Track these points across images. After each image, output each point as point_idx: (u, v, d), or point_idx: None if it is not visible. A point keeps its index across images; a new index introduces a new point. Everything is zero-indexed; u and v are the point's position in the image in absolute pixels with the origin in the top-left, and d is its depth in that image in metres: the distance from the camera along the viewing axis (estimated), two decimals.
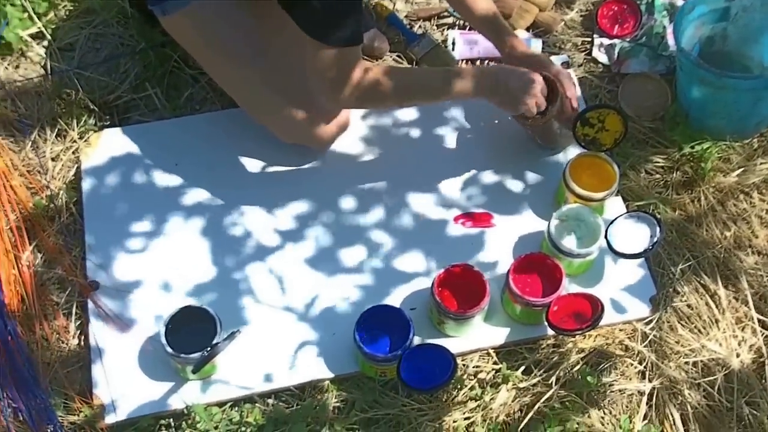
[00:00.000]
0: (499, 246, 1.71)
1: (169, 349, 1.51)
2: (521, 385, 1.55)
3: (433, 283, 1.57)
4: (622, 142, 1.69)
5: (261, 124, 1.78)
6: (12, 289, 1.65)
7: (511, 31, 1.76)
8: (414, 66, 1.95)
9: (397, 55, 1.97)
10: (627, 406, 1.55)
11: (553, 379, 1.54)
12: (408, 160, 1.82)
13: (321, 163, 1.81)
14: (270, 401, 1.56)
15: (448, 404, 1.54)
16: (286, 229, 1.73)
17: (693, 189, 1.76)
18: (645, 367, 1.58)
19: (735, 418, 1.53)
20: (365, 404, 1.54)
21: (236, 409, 1.55)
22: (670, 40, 1.92)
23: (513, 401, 1.54)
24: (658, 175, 1.79)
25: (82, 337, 1.63)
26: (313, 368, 1.58)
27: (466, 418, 1.53)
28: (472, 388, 1.55)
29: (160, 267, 1.69)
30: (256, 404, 1.56)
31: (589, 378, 1.52)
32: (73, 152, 1.83)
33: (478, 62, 1.96)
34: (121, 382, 1.57)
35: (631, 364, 1.58)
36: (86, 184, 1.77)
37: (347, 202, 1.76)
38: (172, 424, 1.53)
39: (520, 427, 1.51)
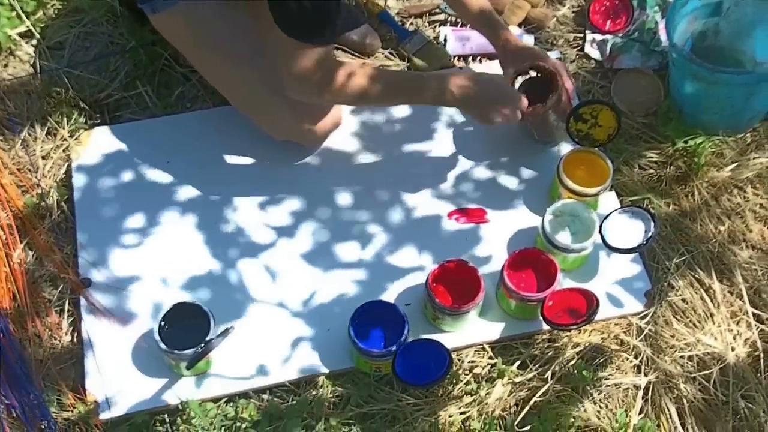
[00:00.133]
0: (493, 241, 1.71)
1: (162, 346, 1.50)
2: (517, 380, 1.55)
3: (427, 279, 1.56)
4: (615, 138, 1.69)
5: (252, 122, 1.77)
6: (3, 286, 1.64)
7: (504, 25, 1.76)
8: (393, 68, 1.94)
9: (389, 52, 1.96)
10: (623, 401, 1.55)
11: (549, 373, 1.54)
12: (401, 156, 1.81)
13: (313, 159, 1.80)
14: (265, 397, 1.56)
15: (444, 399, 1.54)
16: (279, 225, 1.73)
17: (687, 184, 1.76)
18: (640, 361, 1.58)
19: (731, 412, 1.53)
20: (360, 399, 1.54)
21: (231, 404, 1.54)
22: (663, 35, 1.92)
23: (509, 396, 1.54)
24: (651, 170, 1.79)
25: (75, 334, 1.62)
26: (308, 364, 1.58)
27: (461, 413, 1.52)
28: (467, 383, 1.55)
29: (153, 264, 1.68)
30: (251, 400, 1.55)
31: (584, 372, 1.52)
32: (64, 150, 1.82)
33: (470, 59, 1.96)
34: (115, 378, 1.56)
35: (627, 359, 1.58)
36: (77, 182, 1.76)
37: (340, 198, 1.75)
38: (167, 419, 1.52)
39: (516, 421, 1.51)
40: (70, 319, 1.63)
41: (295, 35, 1.49)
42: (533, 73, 1.72)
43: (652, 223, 1.58)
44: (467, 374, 1.56)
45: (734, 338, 1.60)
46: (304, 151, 1.80)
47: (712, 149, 1.78)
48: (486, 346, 1.60)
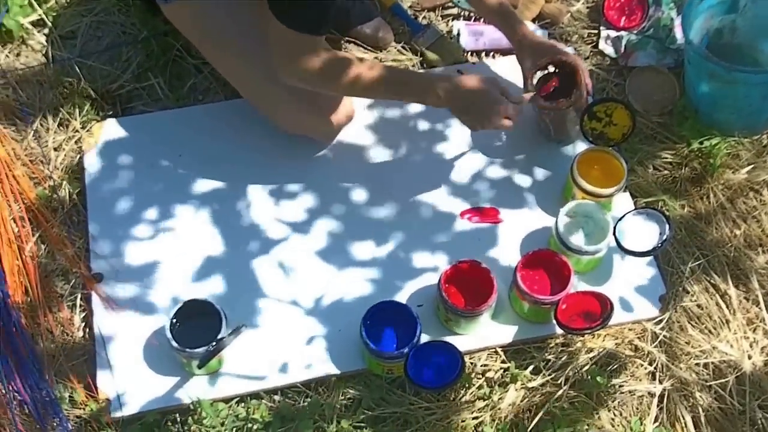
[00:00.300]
0: (506, 242, 1.70)
1: (174, 344, 1.50)
2: (530, 385, 1.54)
3: (440, 280, 1.56)
4: (630, 137, 1.68)
5: (265, 115, 1.76)
6: (16, 280, 1.64)
7: (521, 20, 1.74)
8: (406, 62, 1.92)
9: (402, 46, 1.95)
10: (637, 408, 1.55)
11: (563, 378, 1.54)
12: (414, 153, 1.80)
13: (326, 154, 1.79)
14: (276, 398, 1.56)
15: (456, 403, 1.54)
16: (290, 221, 1.72)
17: (702, 186, 1.75)
18: (655, 368, 1.57)
19: (748, 422, 1.52)
20: (372, 402, 1.54)
21: (242, 405, 1.55)
22: (678, 32, 1.90)
23: (522, 401, 1.54)
24: (666, 171, 1.78)
25: (87, 330, 1.62)
26: (320, 365, 1.58)
27: (474, 418, 1.52)
28: (480, 387, 1.55)
29: (165, 259, 1.68)
30: (263, 400, 1.55)
31: (598, 378, 1.52)
32: (76, 142, 1.81)
33: (483, 54, 1.94)
34: (127, 376, 1.56)
35: (641, 365, 1.57)
36: (89, 174, 1.76)
37: (353, 195, 1.75)
38: (179, 419, 1.53)
39: (530, 427, 1.50)
40: (82, 315, 1.63)
41: (285, 22, 1.48)
42: (551, 68, 1.70)
43: (667, 226, 1.57)
44: (480, 378, 1.56)
45: (751, 346, 1.59)
46: (317, 146, 1.79)
47: (727, 150, 1.76)
48: (499, 350, 1.60)
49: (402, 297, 1.63)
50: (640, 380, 1.56)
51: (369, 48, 1.94)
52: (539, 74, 1.70)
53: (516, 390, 1.54)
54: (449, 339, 1.54)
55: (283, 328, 1.61)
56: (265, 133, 1.78)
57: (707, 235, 1.70)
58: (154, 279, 1.65)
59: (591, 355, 1.57)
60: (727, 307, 1.63)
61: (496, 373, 1.57)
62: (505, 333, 1.60)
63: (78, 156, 1.79)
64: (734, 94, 1.73)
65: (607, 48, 1.94)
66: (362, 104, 1.82)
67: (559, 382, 1.54)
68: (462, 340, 1.57)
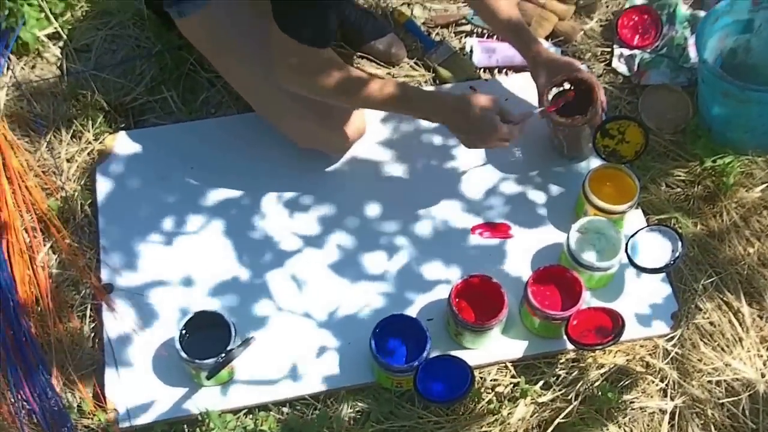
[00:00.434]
0: (517, 257, 1.69)
1: (183, 355, 1.50)
2: (540, 400, 1.53)
3: (450, 294, 1.55)
4: (642, 155, 1.68)
5: (277, 129, 1.76)
6: (27, 290, 1.64)
7: (535, 37, 1.75)
8: (418, 78, 1.93)
9: (415, 62, 1.96)
10: (648, 425, 1.53)
11: (573, 394, 1.53)
12: (425, 168, 1.80)
13: (337, 168, 1.79)
14: (285, 410, 1.55)
15: (466, 417, 1.53)
16: (301, 234, 1.72)
17: (715, 204, 1.74)
18: (667, 384, 1.56)
19: None
20: (381, 415, 1.53)
21: (251, 416, 1.54)
22: (692, 51, 1.90)
23: (531, 416, 1.52)
24: (679, 189, 1.77)
25: (96, 340, 1.62)
26: (329, 377, 1.57)
27: None
28: (489, 402, 1.54)
29: (175, 271, 1.68)
30: (271, 412, 1.54)
31: (609, 395, 1.50)
32: (88, 154, 1.82)
33: (496, 71, 1.94)
34: (136, 386, 1.56)
35: (653, 382, 1.56)
36: (101, 186, 1.76)
37: (363, 209, 1.75)
38: (186, 430, 1.52)
39: None
40: (92, 325, 1.63)
41: (288, 32, 1.49)
42: (566, 85, 1.70)
43: (680, 243, 1.56)
44: (489, 393, 1.55)
45: (764, 364, 1.57)
46: (328, 160, 1.79)
47: (741, 169, 1.75)
48: (509, 365, 1.59)
49: (412, 311, 1.62)
50: (652, 397, 1.54)
51: (382, 64, 1.95)
52: (554, 90, 1.70)
53: (526, 405, 1.52)
54: (459, 353, 1.53)
55: (293, 340, 1.61)
56: (277, 146, 1.79)
57: (720, 252, 1.69)
58: (164, 290, 1.65)
59: (602, 371, 1.56)
60: (740, 324, 1.61)
61: (505, 387, 1.56)
62: (516, 348, 1.59)
63: (90, 167, 1.80)
64: (748, 114, 1.73)
65: (620, 66, 1.94)
66: (374, 118, 1.83)
67: (569, 397, 1.53)
68: (472, 355, 1.55)
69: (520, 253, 1.70)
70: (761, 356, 1.58)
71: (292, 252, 1.70)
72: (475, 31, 2.01)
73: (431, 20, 2.03)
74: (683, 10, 1.97)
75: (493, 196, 1.76)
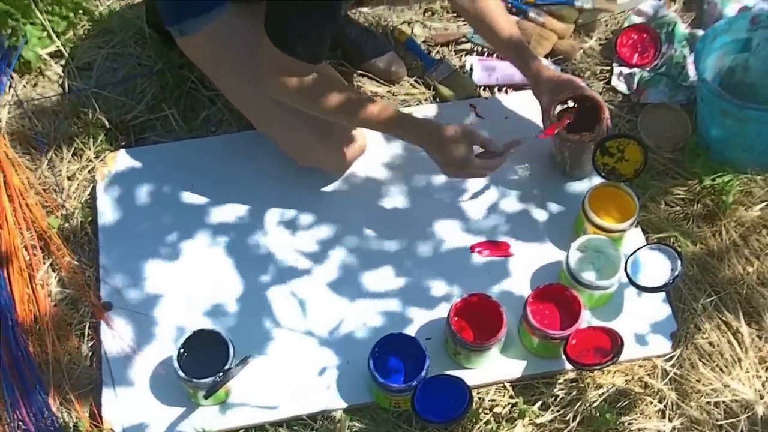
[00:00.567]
0: (516, 276, 1.69)
1: (181, 374, 1.50)
2: (538, 421, 1.52)
3: (449, 313, 1.55)
4: (642, 173, 1.67)
5: (277, 147, 1.77)
6: (26, 308, 1.64)
7: (535, 55, 1.76)
8: (418, 96, 1.93)
9: (415, 80, 1.96)
10: None
11: (571, 415, 1.52)
12: (425, 186, 1.80)
13: (337, 187, 1.80)
14: (282, 430, 1.54)
15: None
16: (301, 252, 1.72)
17: (714, 222, 1.74)
18: (665, 405, 1.55)
19: None
20: None
21: None
22: (691, 70, 1.90)
23: None
24: (678, 207, 1.77)
25: (94, 359, 1.62)
26: (327, 397, 1.56)
27: None
28: (487, 423, 1.53)
29: (174, 289, 1.68)
30: None
31: (607, 415, 1.50)
32: (89, 171, 1.83)
33: (496, 89, 1.95)
34: (133, 405, 1.55)
35: (651, 402, 1.55)
36: (101, 204, 1.77)
37: (362, 227, 1.75)
38: None
39: None
40: (90, 343, 1.63)
41: (277, 43, 1.50)
42: (570, 103, 1.70)
43: (679, 262, 1.55)
44: (487, 413, 1.54)
45: (763, 385, 1.56)
46: (328, 178, 1.79)
47: (740, 187, 1.75)
48: (507, 385, 1.58)
49: (411, 330, 1.62)
50: (650, 418, 1.54)
51: (382, 82, 1.95)
52: (559, 107, 1.70)
53: (524, 426, 1.52)
54: (457, 373, 1.53)
55: (291, 360, 1.60)
56: (277, 164, 1.79)
57: (719, 272, 1.68)
58: (163, 308, 1.66)
59: (600, 391, 1.55)
60: (740, 345, 1.61)
61: (503, 408, 1.55)
62: (514, 368, 1.59)
63: (91, 185, 1.81)
64: (746, 132, 1.73)
65: (619, 84, 1.95)
66: (374, 137, 1.83)
67: (567, 418, 1.52)
68: (470, 374, 1.55)
69: (520, 272, 1.69)
70: (760, 377, 1.57)
71: (291, 270, 1.70)
72: (475, 49, 2.01)
73: (431, 39, 2.04)
74: (682, 29, 1.98)
75: (493, 214, 1.76)
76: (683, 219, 1.75)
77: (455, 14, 2.05)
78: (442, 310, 1.62)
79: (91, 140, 1.85)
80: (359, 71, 1.96)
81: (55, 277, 1.70)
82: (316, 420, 1.55)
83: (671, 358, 1.60)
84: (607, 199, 1.67)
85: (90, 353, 1.62)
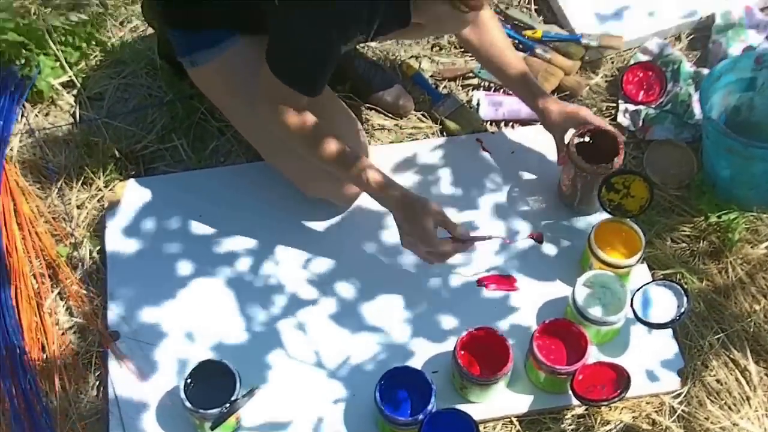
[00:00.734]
0: (522, 310, 1.69)
1: (188, 404, 1.50)
2: None
3: (455, 346, 1.55)
4: (647, 209, 1.68)
5: (285, 178, 1.78)
6: (33, 336, 1.64)
7: (544, 91, 1.78)
8: (425, 130, 1.95)
9: (422, 114, 1.98)
10: None
11: None
12: None
13: (345, 218, 1.80)
14: None
15: None
16: (308, 284, 1.73)
17: (720, 259, 1.75)
18: None
19: None
20: None
21: None
22: (696, 108, 1.92)
23: None
24: (684, 244, 1.78)
25: (101, 388, 1.61)
26: (333, 429, 1.56)
27: None
28: None
29: (182, 319, 1.68)
30: None
31: None
32: (98, 200, 1.84)
33: (503, 124, 1.97)
34: None
35: None
36: (110, 233, 1.78)
37: (370, 259, 1.75)
38: None
39: None
40: (97, 373, 1.63)
41: (271, 68, 1.51)
42: (587, 138, 1.72)
43: (685, 299, 1.56)
44: None
45: None
46: (336, 210, 1.80)
47: (746, 225, 1.76)
48: (514, 420, 1.58)
49: (417, 363, 1.62)
50: None
51: (390, 115, 1.97)
52: (576, 140, 1.71)
53: None
54: (464, 407, 1.53)
55: (298, 391, 1.60)
56: (285, 195, 1.80)
57: (726, 309, 1.69)
58: (170, 338, 1.66)
59: (608, 427, 1.55)
60: (748, 383, 1.61)
61: None
62: (521, 402, 1.59)
63: (100, 214, 1.82)
64: (752, 170, 1.74)
65: (625, 121, 1.96)
66: (381, 169, 1.83)
67: None
68: (477, 409, 1.55)
69: (526, 306, 1.70)
70: None
71: (298, 301, 1.70)
72: (482, 84, 2.03)
73: (439, 73, 2.06)
74: (687, 67, 2.00)
75: (500, 248, 1.77)
76: (689, 256, 1.76)
77: (462, 49, 2.07)
78: (449, 344, 1.62)
79: (101, 169, 1.86)
80: (367, 104, 1.98)
81: (63, 306, 1.71)
82: None
83: (679, 395, 1.59)
84: (613, 234, 1.68)
85: (97, 382, 1.62)
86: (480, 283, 1.72)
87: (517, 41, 2.07)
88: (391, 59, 2.06)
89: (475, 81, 2.04)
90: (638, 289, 1.60)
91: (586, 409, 1.57)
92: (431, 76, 2.05)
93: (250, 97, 1.67)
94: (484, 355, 1.56)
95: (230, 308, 1.69)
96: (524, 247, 1.77)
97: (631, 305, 1.58)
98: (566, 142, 1.74)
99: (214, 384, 1.52)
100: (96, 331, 1.66)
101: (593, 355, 1.58)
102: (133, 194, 1.83)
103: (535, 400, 1.59)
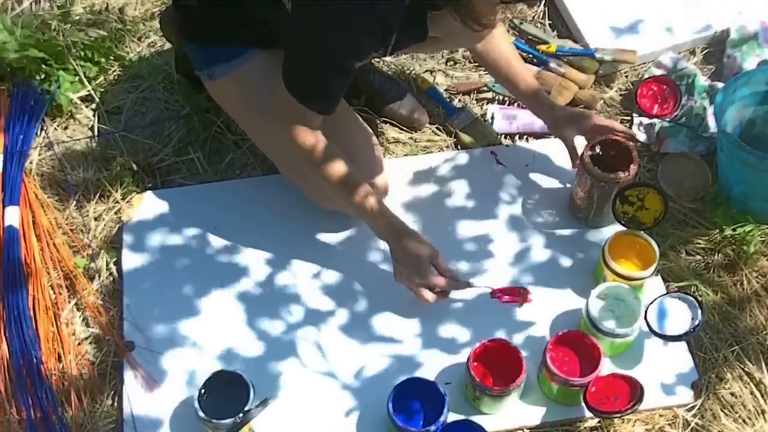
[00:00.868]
0: (536, 322, 1.69)
1: (201, 414, 1.51)
2: None
3: (468, 358, 1.55)
4: (662, 222, 1.68)
5: (301, 190, 1.79)
6: (50, 346, 1.66)
7: (553, 103, 1.81)
8: (440, 143, 1.96)
9: (437, 127, 1.99)
10: None
11: None
12: (445, 231, 1.82)
13: (359, 229, 1.81)
14: None
15: None
16: (322, 295, 1.73)
17: (735, 272, 1.74)
18: None
19: None
20: None
21: None
22: (711, 121, 1.92)
23: None
24: (698, 257, 1.77)
25: (116, 398, 1.62)
26: None
27: None
28: None
29: (196, 330, 1.69)
30: None
31: None
32: (116, 212, 1.86)
33: (517, 137, 1.97)
34: None
35: None
36: (126, 244, 1.80)
37: (384, 270, 1.76)
38: None
39: None
40: (112, 383, 1.64)
41: (287, 87, 1.52)
42: (597, 148, 1.73)
43: (700, 311, 1.55)
44: None
45: None
46: (349, 221, 1.81)
47: (761, 238, 1.75)
48: (526, 431, 1.57)
49: (430, 374, 1.62)
50: None
51: (405, 128, 1.98)
52: (589, 151, 1.72)
53: None
54: (477, 418, 1.53)
55: (311, 401, 1.61)
56: (300, 207, 1.81)
57: (741, 322, 1.68)
58: (185, 349, 1.67)
59: None
60: (762, 396, 1.59)
61: None
62: (533, 414, 1.58)
63: (117, 226, 1.84)
64: (767, 183, 1.73)
65: (640, 134, 1.96)
66: (396, 181, 1.85)
67: None
68: (489, 420, 1.55)
69: (539, 318, 1.70)
70: None
71: (312, 313, 1.71)
72: (496, 98, 2.04)
73: (453, 87, 2.07)
74: (702, 81, 2.00)
75: (513, 260, 1.77)
76: (704, 268, 1.75)
77: (476, 63, 2.08)
78: (462, 355, 1.62)
79: (119, 182, 1.88)
80: (382, 118, 1.99)
81: (80, 316, 1.72)
82: None
83: (692, 408, 1.58)
84: (627, 247, 1.68)
85: (112, 392, 1.63)
86: (494, 294, 1.73)
87: (531, 56, 2.08)
88: (406, 73, 2.08)
89: (489, 95, 2.05)
90: (652, 302, 1.59)
91: (599, 422, 1.56)
92: (446, 89, 2.06)
93: (267, 110, 1.69)
94: (497, 366, 1.56)
95: (244, 319, 1.70)
96: (538, 259, 1.77)
97: (645, 317, 1.58)
98: (579, 151, 1.75)
99: (228, 394, 1.53)
100: (112, 342, 1.67)
101: (606, 367, 1.58)
102: (149, 206, 1.85)
103: (548, 411, 1.58)
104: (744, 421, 1.57)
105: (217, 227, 1.82)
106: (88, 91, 2.03)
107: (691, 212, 1.83)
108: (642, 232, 1.68)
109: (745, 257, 1.73)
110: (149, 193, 1.87)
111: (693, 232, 1.80)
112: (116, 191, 1.88)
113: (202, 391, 1.53)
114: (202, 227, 1.82)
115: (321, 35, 1.47)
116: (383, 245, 1.78)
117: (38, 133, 1.97)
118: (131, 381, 1.62)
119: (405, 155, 1.95)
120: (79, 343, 1.69)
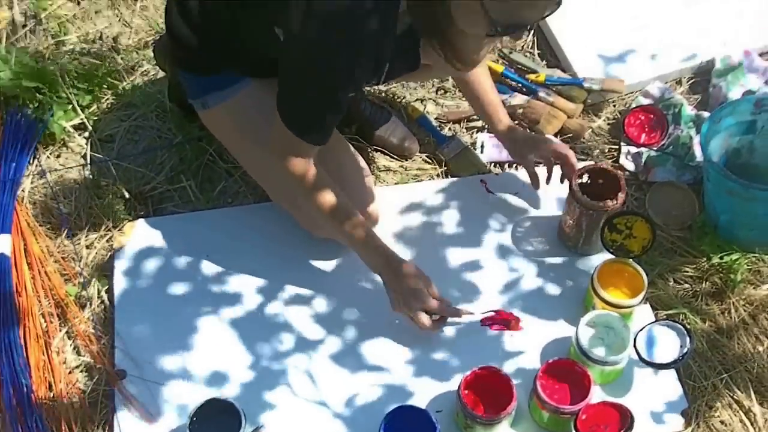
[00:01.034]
0: (526, 350, 1.70)
1: None
2: None
3: (459, 386, 1.56)
4: (650, 250, 1.70)
5: (293, 218, 1.80)
6: (41, 375, 1.65)
7: (513, 126, 1.87)
8: (430, 171, 1.98)
9: (427, 156, 2.01)
10: None
11: None
12: (436, 259, 1.83)
13: (351, 257, 1.81)
14: None
15: None
16: (314, 323, 1.74)
17: (723, 300, 1.76)
18: None
19: None
20: None
21: None
22: (697, 150, 1.94)
23: None
24: (686, 285, 1.79)
25: (107, 427, 1.62)
26: None
27: None
28: None
29: (188, 358, 1.69)
30: None
31: None
32: (107, 240, 1.86)
33: (506, 165, 1.99)
34: None
35: None
36: (118, 272, 1.80)
37: (375, 299, 1.76)
38: None
39: None
40: (103, 412, 1.64)
41: (282, 118, 1.53)
42: (585, 177, 1.75)
43: (688, 339, 1.56)
44: None
45: None
46: (341, 249, 1.82)
47: (748, 266, 1.77)
48: None
49: (421, 402, 1.63)
50: None
51: (395, 156, 2.00)
52: (576, 181, 1.73)
53: None
54: None
55: (303, 430, 1.61)
56: (291, 235, 1.82)
57: (729, 350, 1.69)
58: (176, 377, 1.67)
59: None
60: (752, 424, 1.60)
61: None
62: None
63: (108, 254, 1.84)
64: (753, 212, 1.75)
65: (627, 163, 1.99)
66: (387, 210, 1.87)
67: None
68: None
69: (530, 346, 1.70)
70: None
71: (303, 341, 1.72)
72: (485, 126, 2.06)
73: (443, 116, 2.09)
74: (688, 110, 2.03)
75: (503, 288, 1.79)
76: (692, 296, 1.77)
77: None
78: (453, 383, 1.63)
79: (111, 210, 1.89)
80: (373, 146, 2.01)
81: (71, 345, 1.72)
82: None
83: None
84: (615, 275, 1.69)
85: (102, 421, 1.63)
86: (484, 323, 1.73)
87: (520, 85, 2.11)
88: (397, 102, 2.10)
89: (479, 123, 2.07)
90: (641, 329, 1.61)
91: None
92: (436, 118, 2.08)
93: (260, 139, 1.69)
94: (488, 394, 1.56)
95: (236, 347, 1.71)
96: (528, 287, 1.79)
97: (635, 345, 1.59)
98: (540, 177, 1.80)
99: (219, 423, 1.53)
100: (103, 370, 1.67)
101: (597, 394, 1.59)
102: (141, 234, 1.85)
103: None
104: None
105: (209, 255, 1.83)
106: (81, 119, 2.04)
107: (678, 240, 1.85)
108: (630, 260, 1.69)
109: (732, 285, 1.75)
110: (141, 221, 1.88)
111: (681, 260, 1.82)
112: (108, 219, 1.88)
113: (194, 419, 1.53)
114: (194, 255, 1.83)
115: (315, 67, 1.48)
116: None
117: (31, 161, 1.98)
118: (123, 410, 1.62)
119: (396, 183, 1.96)
120: (70, 372, 1.68)
